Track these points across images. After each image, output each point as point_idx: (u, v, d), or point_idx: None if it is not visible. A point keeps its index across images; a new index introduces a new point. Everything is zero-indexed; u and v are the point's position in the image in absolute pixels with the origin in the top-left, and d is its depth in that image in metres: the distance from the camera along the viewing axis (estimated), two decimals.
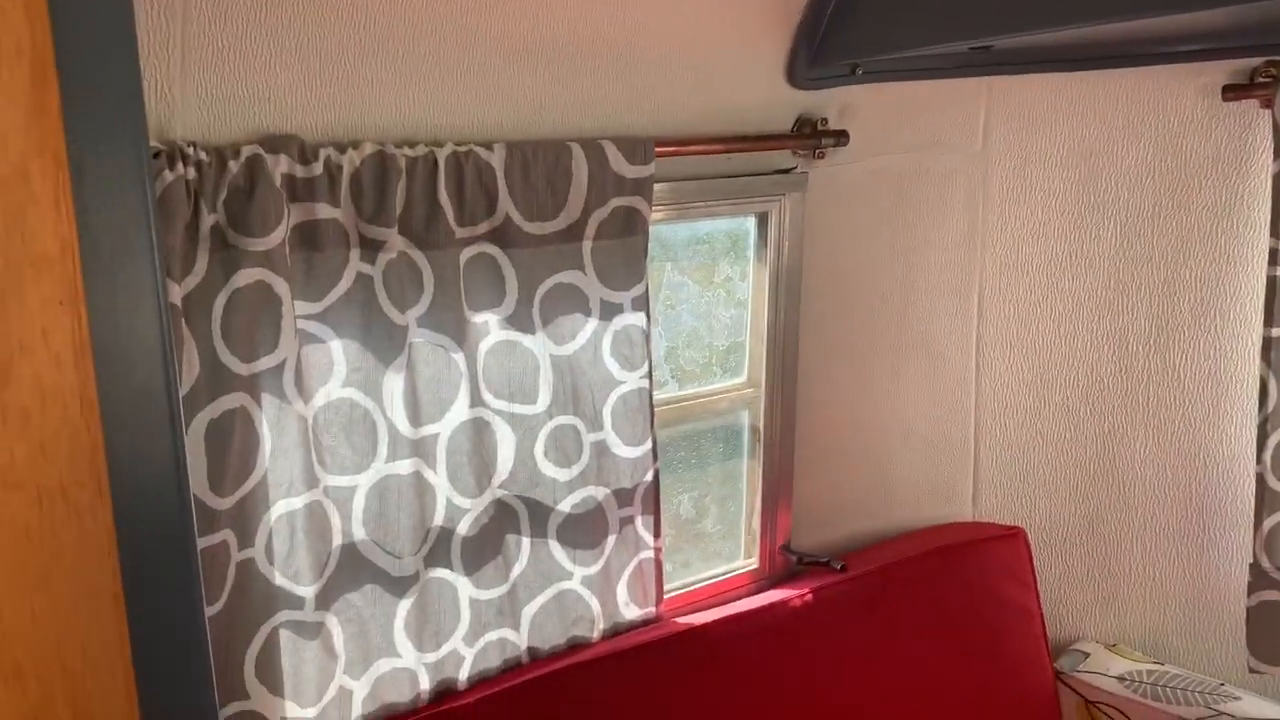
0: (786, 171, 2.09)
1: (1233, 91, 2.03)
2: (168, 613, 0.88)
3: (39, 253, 0.80)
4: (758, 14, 1.85)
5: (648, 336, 1.89)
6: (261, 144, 1.45)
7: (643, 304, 1.87)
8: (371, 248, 1.58)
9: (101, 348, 0.83)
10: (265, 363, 1.50)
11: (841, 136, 2.06)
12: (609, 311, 1.84)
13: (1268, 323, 2.02)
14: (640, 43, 1.76)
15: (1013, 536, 2.31)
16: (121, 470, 0.85)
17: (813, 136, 2.05)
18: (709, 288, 2.14)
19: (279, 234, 1.46)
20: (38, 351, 0.80)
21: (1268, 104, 1.99)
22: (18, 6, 0.78)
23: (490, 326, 1.74)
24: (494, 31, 1.61)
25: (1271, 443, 2.05)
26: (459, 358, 1.69)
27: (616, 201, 1.79)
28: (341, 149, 1.52)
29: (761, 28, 1.87)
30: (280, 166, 1.46)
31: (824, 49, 1.95)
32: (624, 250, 1.83)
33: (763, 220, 2.12)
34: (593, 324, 1.83)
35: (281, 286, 1.48)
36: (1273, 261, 2.00)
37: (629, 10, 1.71)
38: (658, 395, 1.95)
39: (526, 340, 1.77)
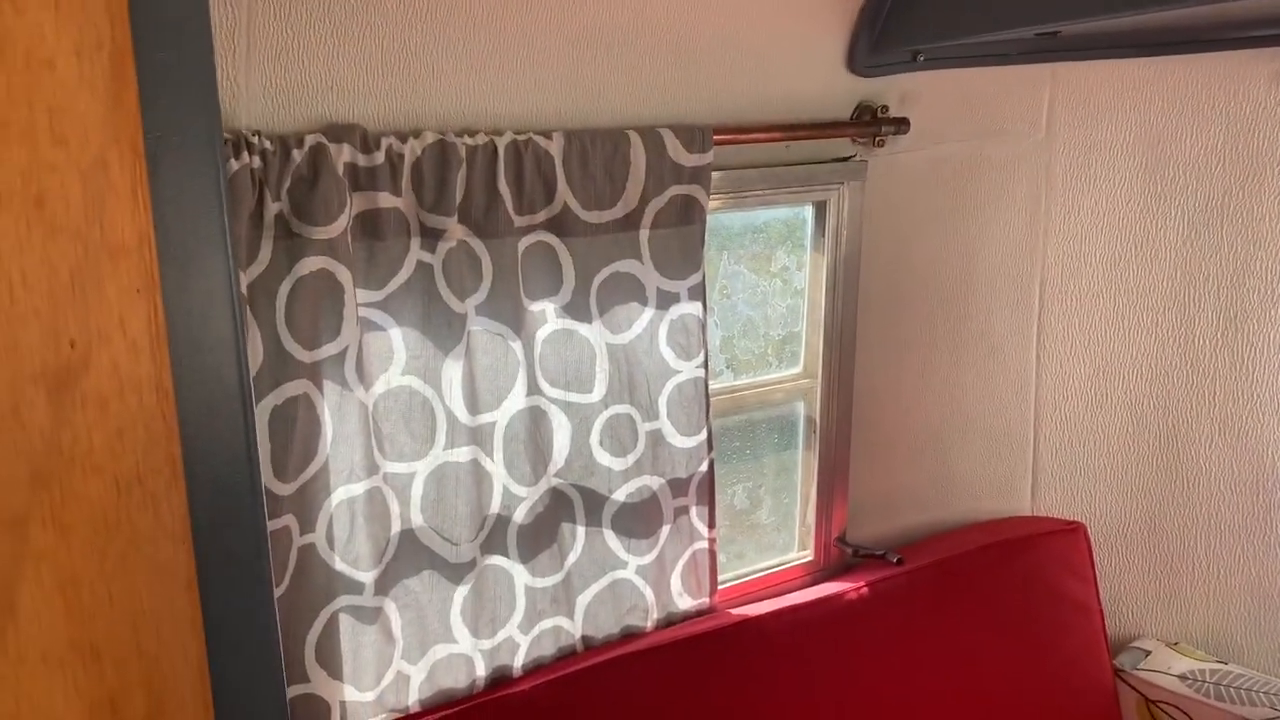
0: (845, 159, 2.07)
1: None
2: (240, 596, 0.90)
3: (117, 242, 0.81)
4: (818, 0, 1.83)
5: (704, 326, 1.88)
6: (325, 133, 1.46)
7: (699, 293, 1.86)
8: (432, 236, 1.59)
9: (176, 336, 0.84)
10: (328, 350, 1.51)
11: (902, 124, 2.04)
12: (665, 300, 1.84)
13: None
14: (699, 30, 1.75)
15: (1072, 531, 2.27)
16: (195, 456, 0.86)
17: (873, 124, 2.02)
18: (765, 277, 2.13)
19: (342, 223, 1.47)
20: (115, 340, 0.82)
21: None
22: (99, 1, 0.79)
23: (547, 315, 1.74)
24: (553, 20, 1.61)
25: None
26: (516, 346, 1.70)
27: (674, 190, 1.79)
28: (403, 138, 1.53)
29: (822, 14, 1.85)
30: (343, 155, 1.47)
31: (885, 35, 1.93)
32: (681, 239, 1.82)
33: (820, 209, 2.10)
34: (649, 313, 1.83)
35: (344, 275, 1.49)
36: None
37: None
38: (713, 385, 1.94)
39: (583, 329, 1.77)
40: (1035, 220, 2.23)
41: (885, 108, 2.03)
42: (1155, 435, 2.29)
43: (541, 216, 1.69)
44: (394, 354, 1.61)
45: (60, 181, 0.79)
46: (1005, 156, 2.19)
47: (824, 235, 2.10)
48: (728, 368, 2.12)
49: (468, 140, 1.58)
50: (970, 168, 2.18)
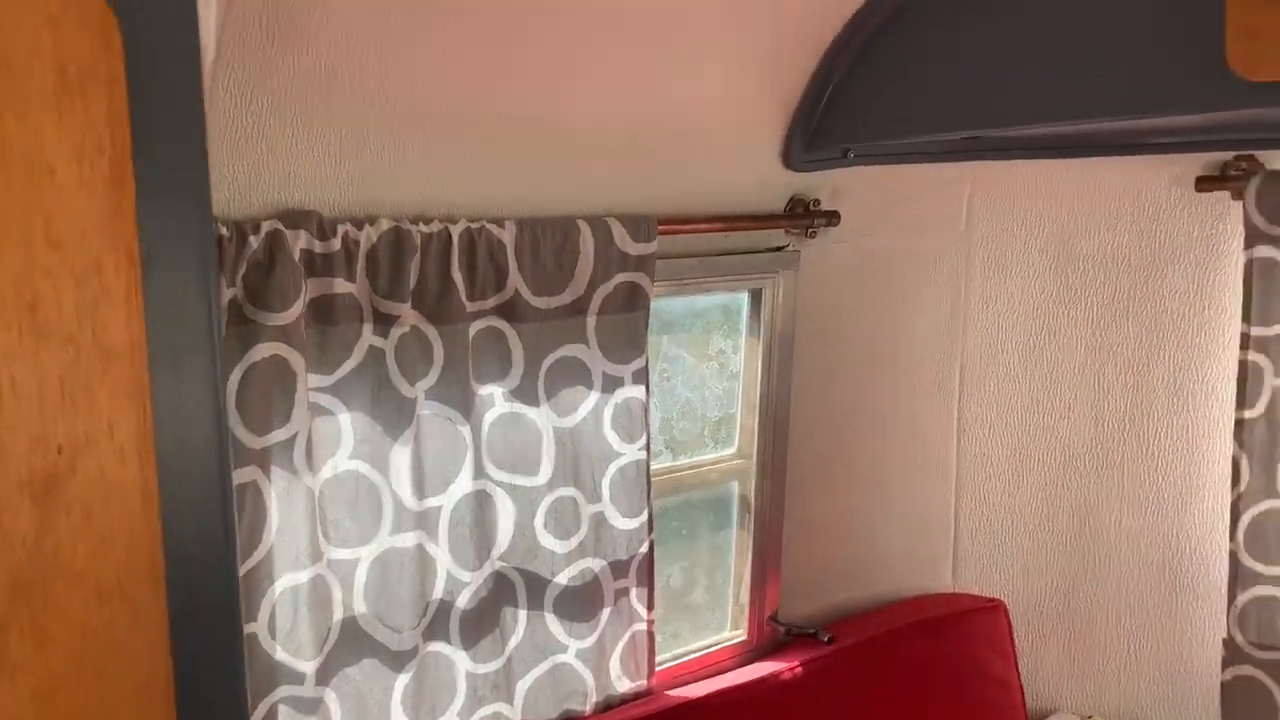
0: (780, 249, 2.14)
1: (1205, 183, 2.12)
2: (217, 703, 0.88)
3: (109, 347, 0.81)
4: (757, 100, 1.91)
5: (646, 409, 1.91)
6: (281, 219, 1.47)
7: (643, 377, 1.90)
8: (384, 322, 1.60)
9: (163, 441, 0.83)
10: (277, 436, 1.49)
11: (833, 217, 2.12)
12: (610, 384, 1.87)
13: (1239, 405, 2.09)
14: (647, 125, 1.81)
15: (993, 609, 2.34)
16: (178, 564, 0.85)
17: (805, 216, 2.10)
18: (703, 360, 2.18)
19: (296, 309, 1.47)
20: (103, 445, 0.81)
21: (1238, 196, 2.08)
22: (100, 105, 0.79)
23: (496, 399, 1.76)
24: (507, 113, 1.65)
25: (1244, 521, 2.11)
26: (465, 430, 1.70)
27: (620, 277, 1.83)
28: (359, 225, 1.54)
29: (760, 113, 1.93)
30: (299, 242, 1.47)
31: (818, 134, 2.02)
32: (626, 325, 1.86)
33: (756, 295, 2.17)
34: (594, 396, 1.85)
35: (297, 360, 1.48)
36: (1244, 346, 2.07)
37: (637, 95, 1.76)
38: (653, 466, 1.97)
39: (531, 413, 1.78)
40: (956, 309, 2.34)
41: (817, 201, 2.12)
42: (1069, 516, 2.39)
43: (492, 302, 1.71)
44: (342, 438, 1.60)
45: (54, 287, 0.78)
46: (928, 248, 2.30)
47: (759, 321, 2.16)
48: (666, 449, 2.16)
49: (423, 228, 1.60)
50: (896, 258, 2.27)
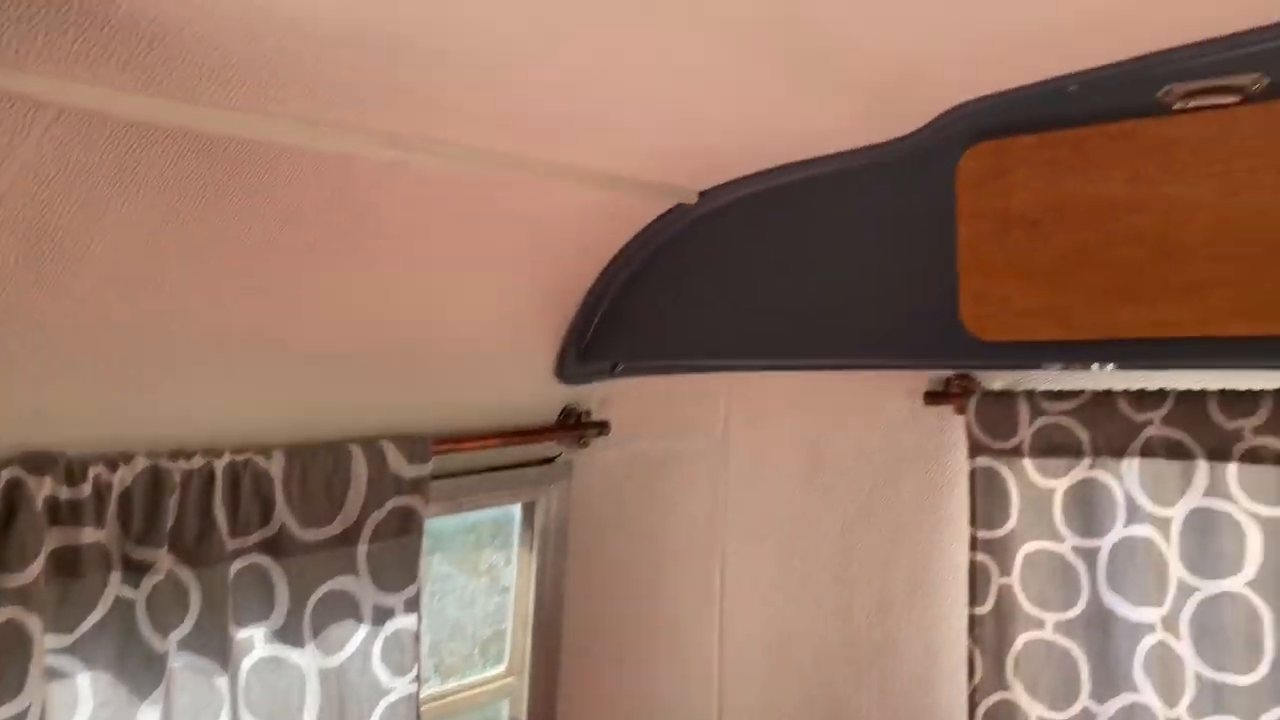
0: (552, 460, 2.15)
1: (932, 397, 2.34)
2: None
3: None
4: (532, 321, 1.95)
5: (418, 638, 1.83)
6: (23, 464, 1.32)
7: (415, 604, 1.82)
8: (136, 569, 1.45)
9: None
10: (4, 713, 1.30)
11: (603, 427, 2.17)
12: (381, 616, 1.78)
13: (971, 602, 2.27)
14: (421, 346, 1.80)
15: None
16: None
17: (577, 427, 2.14)
18: (474, 576, 2.13)
19: (36, 567, 1.31)
20: None
21: (961, 410, 2.31)
22: None
23: (256, 641, 1.62)
24: (275, 338, 1.59)
25: (980, 712, 2.26)
26: (221, 681, 1.55)
27: (394, 502, 1.77)
28: (112, 465, 1.41)
29: (534, 332, 1.98)
30: (44, 489, 1.32)
31: (589, 350, 2.09)
32: (399, 551, 1.79)
33: (529, 507, 2.16)
34: (364, 630, 1.75)
35: (34, 624, 1.31)
36: (972, 547, 2.27)
37: (412, 316, 1.75)
38: (421, 695, 1.87)
39: (294, 655, 1.66)
40: (715, 513, 2.43)
41: (588, 411, 2.17)
42: (824, 707, 2.47)
43: (256, 538, 1.60)
44: (79, 704, 1.42)
45: None
46: (690, 453, 2.39)
47: (532, 532, 2.15)
48: (435, 672, 2.06)
49: (183, 465, 1.49)
50: (660, 464, 2.34)
